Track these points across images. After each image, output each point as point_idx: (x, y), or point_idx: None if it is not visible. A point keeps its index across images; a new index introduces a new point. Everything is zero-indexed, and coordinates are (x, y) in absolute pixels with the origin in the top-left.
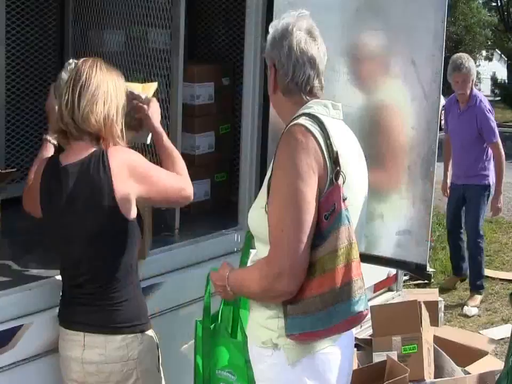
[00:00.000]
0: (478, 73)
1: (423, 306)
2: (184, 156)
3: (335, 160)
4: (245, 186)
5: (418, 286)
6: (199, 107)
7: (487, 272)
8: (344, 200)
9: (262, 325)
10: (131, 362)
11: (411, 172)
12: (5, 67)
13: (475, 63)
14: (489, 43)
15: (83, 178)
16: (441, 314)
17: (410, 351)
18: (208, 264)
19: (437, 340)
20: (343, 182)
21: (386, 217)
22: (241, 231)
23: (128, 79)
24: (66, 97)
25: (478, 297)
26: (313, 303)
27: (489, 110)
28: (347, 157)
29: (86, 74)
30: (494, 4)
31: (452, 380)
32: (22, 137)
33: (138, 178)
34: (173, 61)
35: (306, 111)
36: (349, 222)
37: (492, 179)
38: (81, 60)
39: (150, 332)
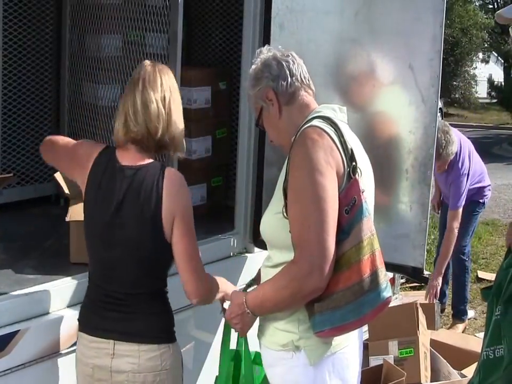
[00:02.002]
0: (474, 75)
1: (420, 309)
2: (181, 159)
3: (350, 156)
4: (242, 190)
5: (413, 288)
6: (196, 111)
7: (483, 275)
8: (362, 192)
9: (281, 329)
10: (163, 373)
11: (409, 175)
12: (1, 71)
13: (472, 65)
14: (485, 45)
15: (137, 185)
16: (437, 317)
17: (407, 355)
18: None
19: (434, 343)
20: (360, 176)
21: (384, 221)
22: (237, 235)
23: (125, 83)
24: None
25: (460, 326)
26: (343, 297)
27: (463, 174)
28: (358, 155)
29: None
30: (490, 6)
31: (449, 383)
32: (18, 142)
33: (179, 218)
34: (171, 66)
35: (316, 115)
36: (368, 213)
37: (487, 194)
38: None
39: (177, 343)
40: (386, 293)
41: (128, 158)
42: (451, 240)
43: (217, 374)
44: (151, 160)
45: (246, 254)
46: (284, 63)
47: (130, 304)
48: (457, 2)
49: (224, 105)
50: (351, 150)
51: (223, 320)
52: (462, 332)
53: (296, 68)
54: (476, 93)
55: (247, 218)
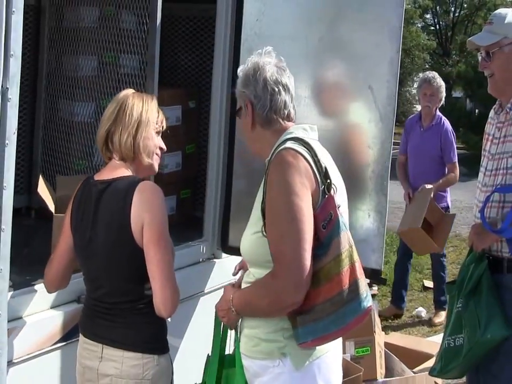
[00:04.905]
0: (415, 95)
1: (375, 311)
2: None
3: (324, 174)
4: (211, 201)
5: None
6: (168, 128)
7: (429, 283)
8: (338, 207)
9: (265, 339)
10: (145, 382)
11: (367, 186)
12: None
13: (413, 85)
14: (427, 66)
15: (109, 195)
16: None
17: (364, 353)
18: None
19: (388, 346)
20: (335, 193)
21: None
22: (206, 243)
23: (100, 101)
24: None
25: (443, 314)
26: (324, 308)
27: (452, 132)
28: (331, 171)
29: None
30: (432, 28)
31: (403, 379)
32: None
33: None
34: (148, 86)
35: (289, 136)
36: (345, 227)
37: (449, 200)
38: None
39: (166, 356)
40: (367, 302)
41: (105, 173)
42: (452, 180)
43: (209, 354)
44: (129, 173)
45: (214, 260)
46: (269, 89)
47: (116, 313)
48: None
49: (193, 123)
50: (325, 168)
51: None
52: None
53: (280, 100)
54: (416, 112)
55: (215, 227)
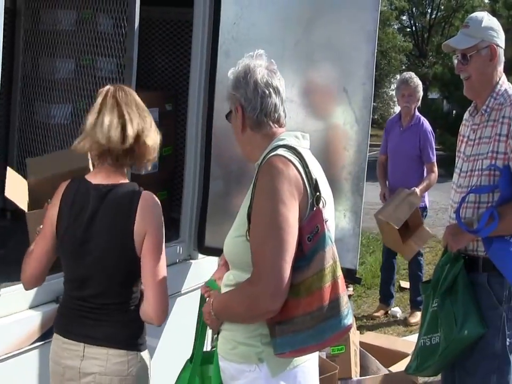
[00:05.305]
0: (392, 97)
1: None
2: (131, 176)
3: (314, 186)
4: (188, 202)
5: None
6: None
7: (405, 284)
8: (325, 222)
9: (243, 343)
10: (129, 378)
11: (343, 187)
12: None
13: (390, 87)
14: (404, 68)
15: (111, 201)
16: None
17: (339, 352)
18: None
19: (363, 345)
20: (323, 206)
21: None
22: (183, 244)
23: (77, 103)
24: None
25: (418, 314)
26: (303, 321)
27: (431, 132)
28: (321, 184)
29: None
30: (408, 30)
31: (377, 377)
32: None
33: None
34: None
35: (281, 143)
36: (331, 241)
37: (427, 200)
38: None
39: (146, 352)
40: (347, 320)
41: (101, 177)
42: (433, 181)
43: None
44: (127, 181)
45: (191, 261)
46: (260, 92)
47: (101, 313)
48: None
49: (170, 125)
50: (315, 180)
51: None
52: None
53: (271, 103)
54: (394, 113)
55: (192, 228)
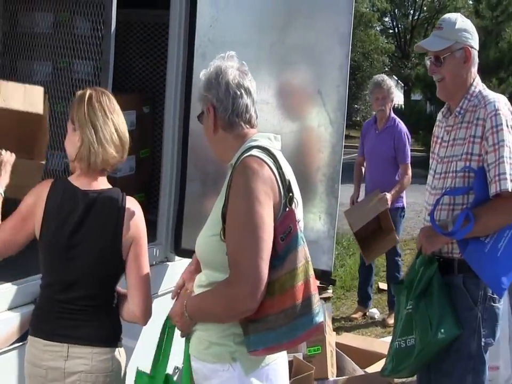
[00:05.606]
0: None
1: (326, 311)
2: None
3: (288, 187)
4: (165, 204)
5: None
6: None
7: (384, 286)
8: (298, 222)
9: (216, 343)
10: (112, 374)
11: (318, 189)
12: None
13: None
14: (386, 69)
15: (99, 208)
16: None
17: (315, 352)
18: None
19: (340, 346)
20: (296, 207)
21: None
22: (160, 246)
23: (55, 106)
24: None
25: None
26: (277, 319)
27: (406, 134)
28: (293, 185)
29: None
30: (391, 31)
31: (353, 378)
32: None
33: (135, 241)
34: None
35: (254, 144)
36: (303, 242)
37: (405, 201)
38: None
39: (123, 348)
40: (319, 318)
41: (87, 183)
42: (406, 183)
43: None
44: (110, 186)
45: (168, 263)
46: (231, 93)
47: (85, 314)
48: (358, 27)
49: (147, 128)
50: (289, 181)
51: None
52: None
53: (242, 103)
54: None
55: (169, 230)
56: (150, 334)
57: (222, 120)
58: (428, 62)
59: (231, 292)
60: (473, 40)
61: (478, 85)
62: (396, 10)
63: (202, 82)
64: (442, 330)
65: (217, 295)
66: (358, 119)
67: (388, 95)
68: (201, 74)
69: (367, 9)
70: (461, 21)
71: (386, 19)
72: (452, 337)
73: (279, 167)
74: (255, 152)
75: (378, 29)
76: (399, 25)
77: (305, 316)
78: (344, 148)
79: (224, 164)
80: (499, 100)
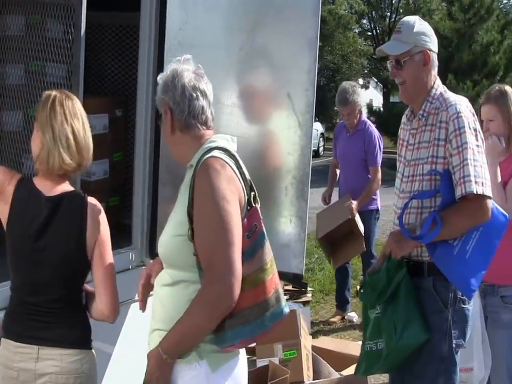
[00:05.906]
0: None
1: (301, 315)
2: (80, 182)
3: (250, 186)
4: (138, 208)
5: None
6: (95, 136)
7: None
8: (262, 219)
9: None
10: (83, 376)
11: (288, 192)
12: None
13: None
14: (365, 71)
15: (62, 211)
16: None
17: (291, 356)
18: None
19: (316, 349)
20: (258, 205)
21: (267, 233)
22: (135, 250)
23: (27, 109)
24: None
25: None
26: (252, 313)
27: (377, 137)
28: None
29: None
30: (369, 33)
31: (328, 381)
32: None
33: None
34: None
35: (214, 145)
36: (266, 238)
37: (379, 203)
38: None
39: (93, 351)
40: (286, 308)
41: (50, 186)
42: (375, 188)
43: None
44: (71, 188)
45: (143, 267)
46: (187, 95)
47: (54, 316)
48: (337, 29)
49: (120, 131)
50: (250, 180)
51: None
52: None
53: (198, 105)
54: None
55: (144, 234)
56: (127, 338)
57: (179, 121)
58: (389, 66)
59: (210, 292)
60: (432, 43)
61: (439, 87)
62: (373, 12)
63: (160, 85)
64: (405, 337)
65: (196, 306)
66: (338, 121)
67: (353, 107)
68: (158, 77)
69: (346, 11)
70: (419, 24)
71: (365, 21)
72: (417, 342)
73: (239, 167)
74: (216, 153)
75: (356, 31)
76: (377, 27)
77: (276, 307)
78: (325, 150)
79: (183, 164)
80: (460, 102)
